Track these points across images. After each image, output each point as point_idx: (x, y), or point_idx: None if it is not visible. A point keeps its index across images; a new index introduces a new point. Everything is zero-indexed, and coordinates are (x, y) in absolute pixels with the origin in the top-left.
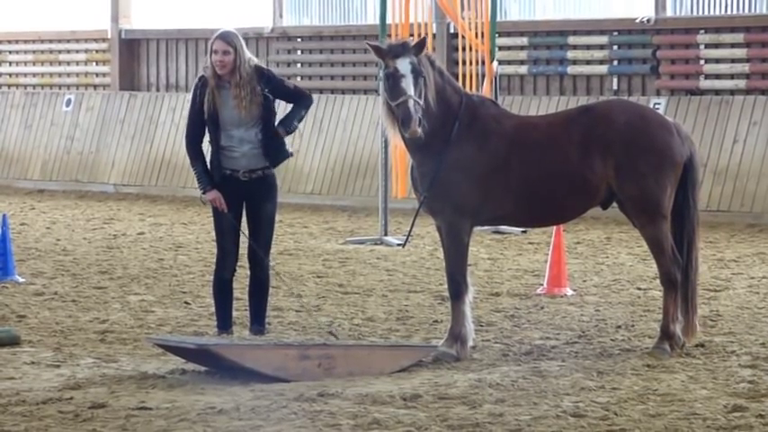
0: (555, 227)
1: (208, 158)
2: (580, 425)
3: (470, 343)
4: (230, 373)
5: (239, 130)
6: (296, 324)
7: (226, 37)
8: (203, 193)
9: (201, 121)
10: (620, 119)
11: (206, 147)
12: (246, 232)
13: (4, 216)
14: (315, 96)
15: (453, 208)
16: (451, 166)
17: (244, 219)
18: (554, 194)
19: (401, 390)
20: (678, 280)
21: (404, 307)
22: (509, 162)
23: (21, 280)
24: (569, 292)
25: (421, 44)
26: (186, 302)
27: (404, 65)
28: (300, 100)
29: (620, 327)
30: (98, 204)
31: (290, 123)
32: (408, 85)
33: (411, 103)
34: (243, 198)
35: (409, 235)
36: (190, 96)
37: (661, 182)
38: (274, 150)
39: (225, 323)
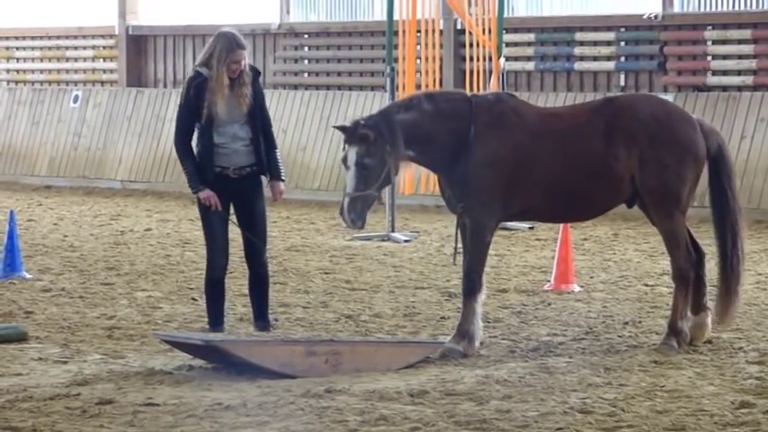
0: (562, 224)
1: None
2: (587, 421)
3: (478, 342)
4: (237, 369)
5: (233, 126)
6: (303, 320)
7: (244, 45)
8: (195, 192)
9: (193, 119)
10: (645, 111)
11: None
12: (240, 228)
13: (11, 212)
14: (322, 93)
15: (482, 206)
16: (477, 164)
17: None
18: (581, 186)
19: (408, 386)
20: (690, 276)
21: (411, 303)
22: (535, 154)
23: (28, 276)
24: (576, 288)
25: (375, 131)
26: (193, 298)
27: (351, 155)
28: (269, 135)
29: (627, 323)
30: (105, 201)
31: (280, 170)
32: (350, 179)
33: (347, 201)
34: (232, 196)
35: (456, 251)
36: (182, 92)
37: (682, 176)
38: (263, 150)
39: (216, 321)
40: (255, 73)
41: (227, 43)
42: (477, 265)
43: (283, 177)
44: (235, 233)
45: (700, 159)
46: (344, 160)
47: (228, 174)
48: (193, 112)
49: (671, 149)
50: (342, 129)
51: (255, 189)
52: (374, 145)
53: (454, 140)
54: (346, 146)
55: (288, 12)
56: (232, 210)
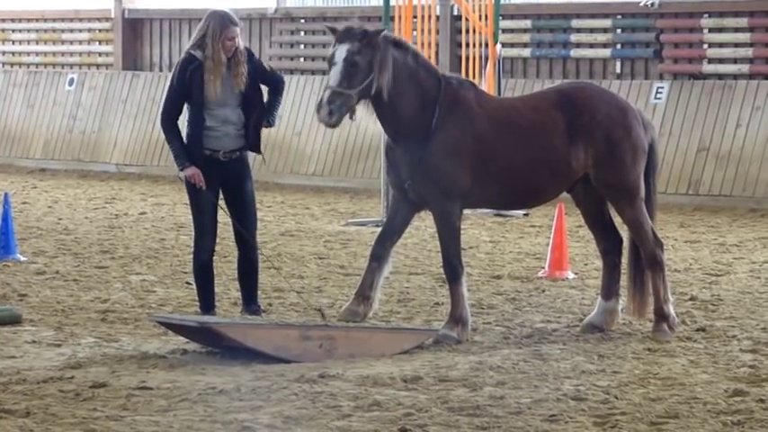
0: (558, 210)
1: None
2: (580, 408)
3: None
4: (231, 353)
5: (225, 109)
6: (297, 305)
7: (237, 22)
8: (181, 169)
9: (183, 101)
10: (602, 110)
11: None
12: (228, 212)
13: (5, 195)
14: (318, 78)
15: (443, 193)
16: (438, 151)
17: (222, 201)
18: (538, 178)
19: (402, 372)
20: (663, 260)
21: (405, 289)
22: (496, 145)
23: (22, 259)
24: (571, 275)
25: (373, 32)
26: (187, 282)
27: (340, 52)
28: (276, 82)
29: (620, 310)
30: (100, 184)
31: (273, 117)
32: (335, 74)
33: (327, 93)
34: (221, 179)
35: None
36: (174, 73)
37: (636, 168)
38: (254, 134)
39: (208, 305)
40: (249, 53)
41: (219, 20)
42: (453, 251)
43: (272, 123)
44: (224, 217)
45: (645, 151)
46: (331, 58)
47: (218, 157)
48: (184, 96)
49: (625, 146)
50: (332, 29)
51: (244, 171)
52: (366, 47)
53: (416, 111)
54: (337, 44)
55: None
56: (222, 194)
